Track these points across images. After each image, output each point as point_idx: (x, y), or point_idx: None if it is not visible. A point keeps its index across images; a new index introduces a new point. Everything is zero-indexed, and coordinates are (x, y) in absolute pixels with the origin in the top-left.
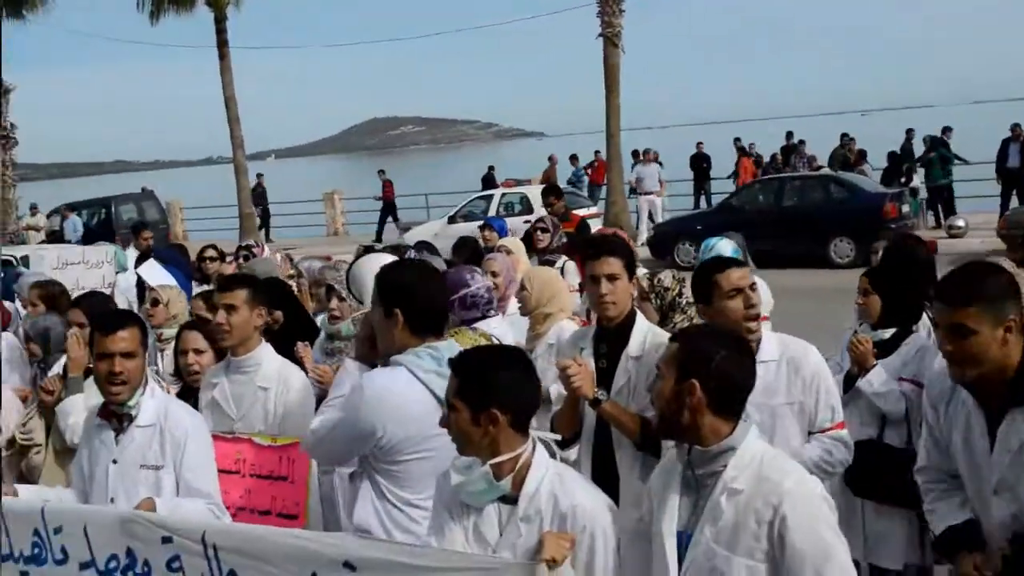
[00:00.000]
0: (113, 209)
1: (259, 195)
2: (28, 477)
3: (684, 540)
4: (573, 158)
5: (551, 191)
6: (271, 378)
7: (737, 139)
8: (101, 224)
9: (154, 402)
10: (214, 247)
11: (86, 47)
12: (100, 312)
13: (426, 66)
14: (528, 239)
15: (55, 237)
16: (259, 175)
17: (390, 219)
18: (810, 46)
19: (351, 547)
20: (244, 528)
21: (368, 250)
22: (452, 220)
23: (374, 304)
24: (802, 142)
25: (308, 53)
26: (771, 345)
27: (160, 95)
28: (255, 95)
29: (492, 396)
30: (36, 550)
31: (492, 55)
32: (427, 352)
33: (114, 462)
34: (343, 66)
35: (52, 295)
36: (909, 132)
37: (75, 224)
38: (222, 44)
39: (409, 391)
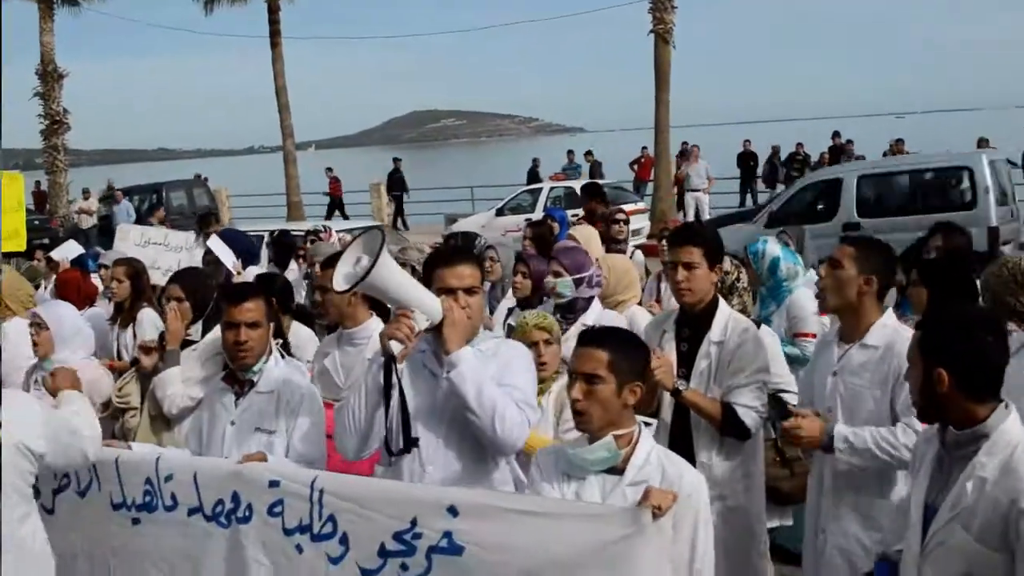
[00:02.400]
0: (164, 195)
1: (397, 181)
2: (122, 440)
3: (930, 513)
4: (570, 153)
5: (594, 191)
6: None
7: (747, 141)
8: (152, 209)
9: (276, 370)
10: (272, 234)
11: (135, 35)
12: (229, 285)
13: (469, 60)
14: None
15: (106, 221)
16: (396, 159)
17: (337, 214)
18: (855, 45)
19: (455, 493)
20: (354, 478)
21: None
22: (500, 212)
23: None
24: (850, 142)
25: (351, 45)
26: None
27: (205, 84)
28: (296, 86)
29: (636, 370)
30: (147, 498)
31: (535, 50)
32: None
33: (232, 424)
34: (385, 59)
35: (137, 272)
36: (981, 141)
37: (127, 208)
38: (275, 34)
39: None
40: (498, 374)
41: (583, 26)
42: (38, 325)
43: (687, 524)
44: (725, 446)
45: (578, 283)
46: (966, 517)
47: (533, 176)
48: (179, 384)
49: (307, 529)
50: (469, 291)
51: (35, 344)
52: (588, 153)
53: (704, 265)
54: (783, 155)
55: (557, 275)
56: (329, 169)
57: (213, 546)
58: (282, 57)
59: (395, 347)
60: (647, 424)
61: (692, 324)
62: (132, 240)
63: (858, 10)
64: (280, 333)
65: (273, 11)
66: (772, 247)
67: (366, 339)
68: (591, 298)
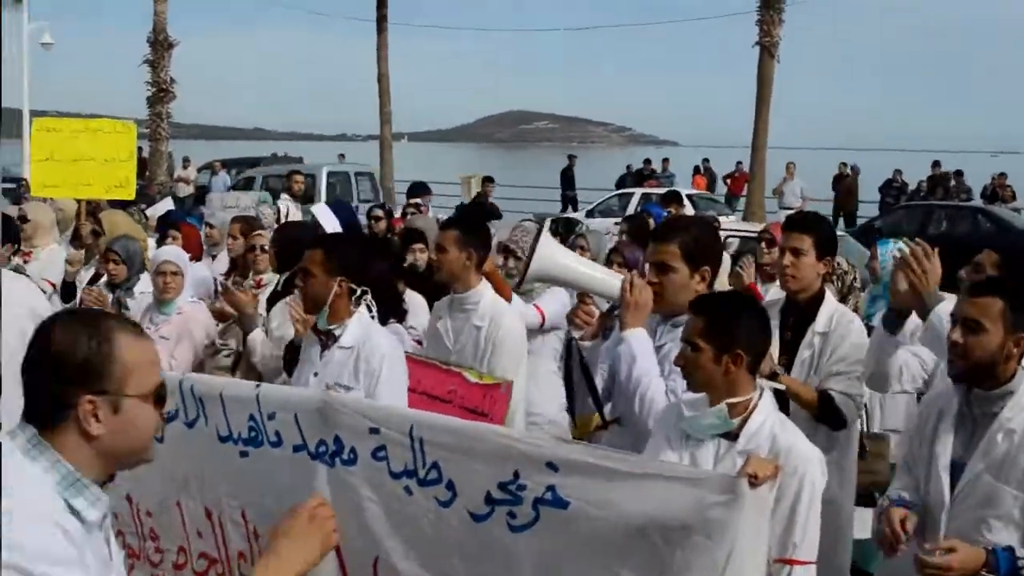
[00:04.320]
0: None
1: (569, 179)
2: None
3: (956, 470)
4: (664, 161)
5: (673, 198)
6: (485, 317)
7: (705, 159)
8: (247, 184)
9: (358, 327)
10: (382, 206)
11: (242, 9)
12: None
13: (567, 63)
14: None
15: (202, 191)
16: (571, 156)
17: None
18: (959, 81)
19: (555, 448)
20: (450, 421)
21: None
22: (590, 214)
23: (674, 265)
24: (960, 173)
25: (450, 40)
26: None
27: (306, 66)
28: (394, 76)
29: (737, 338)
30: (252, 433)
31: (635, 58)
32: None
33: (315, 375)
34: (485, 56)
35: (251, 228)
36: None
37: (224, 180)
38: (381, 19)
39: None
40: (670, 357)
41: (688, 36)
42: (175, 273)
43: (788, 496)
44: (820, 436)
45: None
46: (997, 467)
47: (622, 182)
48: (261, 347)
49: (413, 474)
50: (661, 267)
51: (170, 288)
52: (705, 160)
53: (812, 254)
54: (880, 181)
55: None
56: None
57: (321, 483)
58: (387, 43)
59: (577, 331)
60: (772, 387)
61: (797, 314)
62: (216, 206)
63: (961, 43)
64: (396, 294)
65: None
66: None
67: (475, 304)
68: None
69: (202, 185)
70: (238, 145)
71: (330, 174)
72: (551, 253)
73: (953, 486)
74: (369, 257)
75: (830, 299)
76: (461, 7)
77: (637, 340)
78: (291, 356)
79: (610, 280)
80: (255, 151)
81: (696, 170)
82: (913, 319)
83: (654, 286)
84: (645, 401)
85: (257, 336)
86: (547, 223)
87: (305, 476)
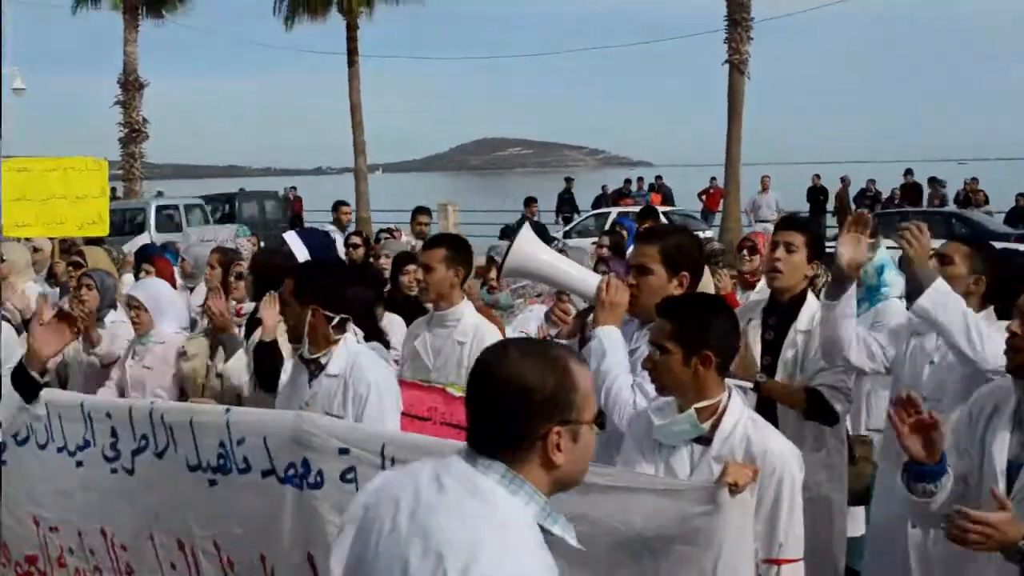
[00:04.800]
0: (237, 205)
1: (567, 201)
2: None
3: (1013, 470)
4: (639, 180)
5: (649, 213)
6: (468, 333)
7: (658, 176)
8: (223, 220)
9: (345, 354)
10: (359, 234)
11: (212, 49)
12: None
13: (538, 88)
14: None
15: (178, 230)
16: (568, 179)
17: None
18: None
19: None
20: (424, 439)
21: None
22: (567, 235)
23: (653, 268)
24: (941, 183)
25: (420, 70)
26: None
27: (279, 102)
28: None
29: (706, 339)
30: (221, 460)
31: (605, 81)
32: None
33: (305, 404)
34: (455, 84)
35: (229, 261)
36: None
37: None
38: (352, 52)
39: None
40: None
41: (658, 57)
42: (137, 307)
43: (769, 496)
44: (810, 436)
45: None
46: None
47: (599, 203)
48: (244, 373)
49: None
50: (640, 270)
51: (136, 323)
52: (658, 177)
53: (803, 253)
54: (854, 190)
55: None
56: (293, 188)
57: (289, 507)
58: (359, 75)
59: (552, 329)
60: (742, 389)
61: (779, 313)
62: (193, 240)
63: (929, 54)
64: (373, 319)
65: (351, 28)
66: (887, 253)
67: (456, 321)
68: None
69: (177, 223)
70: (213, 183)
71: (159, 208)
72: (530, 248)
73: (1010, 486)
74: (344, 284)
75: (812, 299)
76: (430, 37)
77: (608, 336)
78: (263, 360)
79: (588, 279)
80: (230, 188)
81: (652, 187)
82: (894, 311)
83: (632, 288)
84: (610, 395)
85: (240, 362)
86: (526, 224)
87: (273, 502)
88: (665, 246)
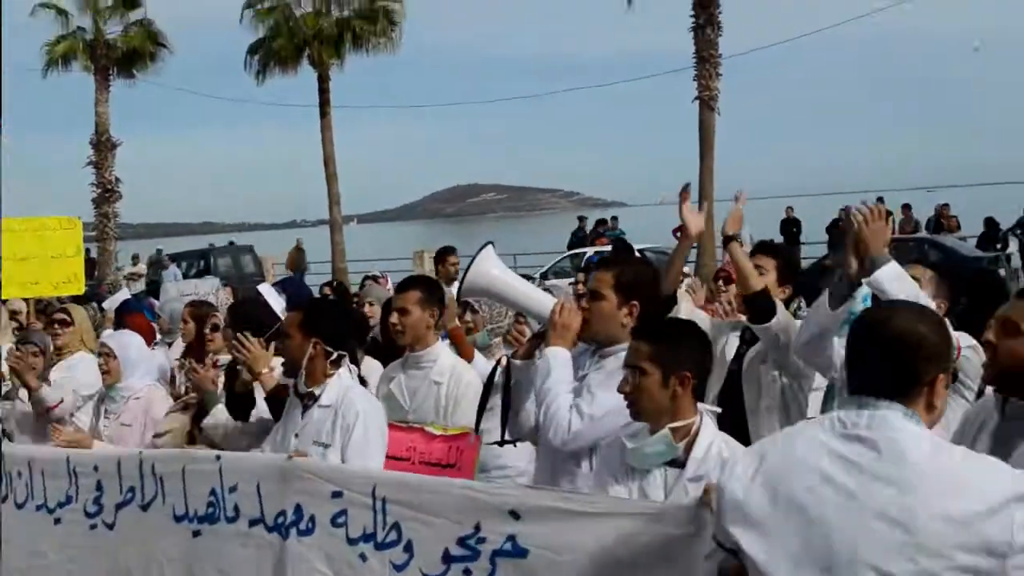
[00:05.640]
0: (212, 260)
1: (581, 239)
2: None
3: None
4: (613, 219)
5: (623, 248)
6: (444, 373)
7: (614, 217)
8: (199, 274)
9: (338, 387)
10: (329, 284)
11: (185, 108)
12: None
13: (511, 134)
14: None
15: (154, 286)
16: (581, 218)
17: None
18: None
19: (517, 495)
20: (413, 479)
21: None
22: (544, 276)
23: (605, 294)
24: (907, 206)
25: (392, 120)
26: None
27: (251, 158)
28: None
29: (684, 360)
30: (210, 509)
31: (578, 124)
32: None
33: (296, 436)
34: (427, 132)
35: (202, 314)
36: None
37: (175, 273)
38: (324, 103)
39: None
40: (594, 383)
41: (630, 99)
42: (107, 354)
43: None
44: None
45: None
46: None
47: (576, 243)
48: (226, 424)
49: (371, 538)
50: (593, 295)
51: (105, 372)
52: (615, 218)
53: (773, 275)
54: (826, 221)
55: None
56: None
57: (273, 557)
58: (331, 126)
59: (509, 349)
60: (712, 412)
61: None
62: (172, 295)
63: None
64: (354, 362)
65: (323, 79)
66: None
67: (432, 362)
68: None
69: (153, 280)
70: (187, 240)
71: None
72: (488, 268)
73: None
74: (345, 324)
75: (783, 310)
76: (401, 86)
77: (555, 357)
78: (240, 407)
79: (545, 301)
80: (204, 245)
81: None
82: None
83: (584, 312)
84: (548, 413)
85: (221, 414)
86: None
87: (258, 552)
88: (619, 274)
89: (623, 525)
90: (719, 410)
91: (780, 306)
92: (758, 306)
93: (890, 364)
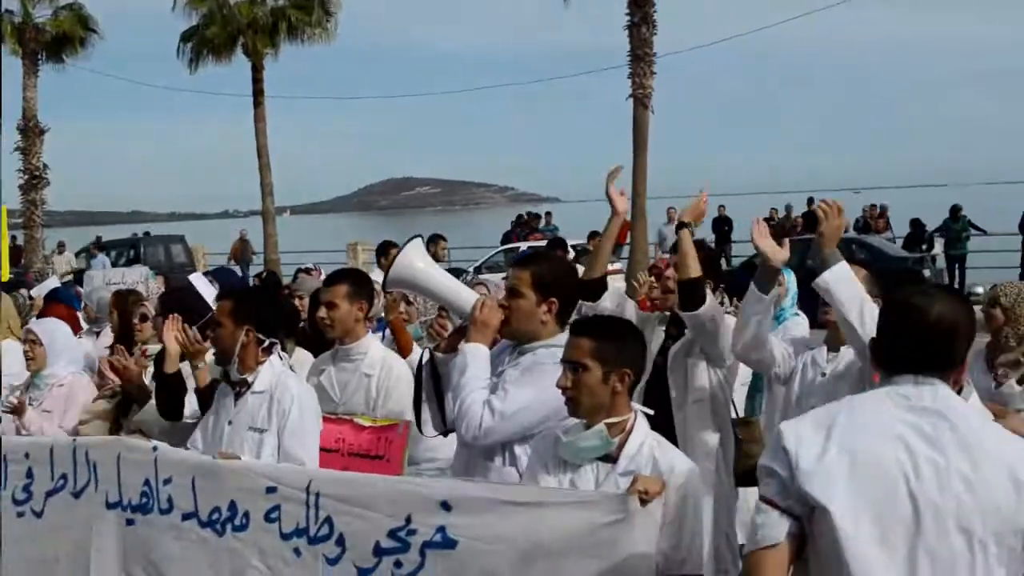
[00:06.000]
0: (142, 249)
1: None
2: None
3: None
4: (547, 214)
5: (558, 243)
6: (375, 365)
7: (529, 212)
8: (129, 264)
9: (270, 373)
10: (259, 276)
11: (114, 95)
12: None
13: (446, 127)
14: None
15: (81, 274)
16: (523, 214)
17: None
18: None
19: (448, 487)
20: (348, 475)
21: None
22: (478, 270)
23: (523, 291)
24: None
25: (326, 112)
26: None
27: (183, 147)
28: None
29: (624, 357)
30: (144, 499)
31: (513, 119)
32: None
33: (229, 423)
34: (361, 125)
35: (126, 304)
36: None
37: (103, 262)
38: (258, 93)
39: None
40: (510, 379)
41: (562, 95)
42: (33, 341)
43: (674, 513)
44: (709, 429)
45: None
46: None
47: (509, 237)
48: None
49: (304, 532)
50: (511, 293)
51: (30, 359)
52: (530, 212)
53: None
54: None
55: None
56: (244, 230)
57: (207, 553)
58: (265, 116)
59: (432, 343)
60: (645, 413)
61: (679, 324)
62: (98, 283)
63: (830, 89)
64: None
65: (257, 69)
66: (793, 279)
67: (362, 355)
68: None
69: (81, 269)
70: (117, 229)
71: None
72: (412, 260)
73: None
74: (276, 312)
75: (712, 298)
76: (335, 78)
77: (472, 353)
78: (170, 392)
79: (467, 297)
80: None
81: (519, 219)
82: (798, 326)
83: (504, 310)
84: (462, 408)
85: (151, 412)
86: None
87: (191, 545)
88: (537, 272)
89: (553, 514)
90: (651, 412)
91: (710, 295)
92: (691, 292)
93: (937, 345)
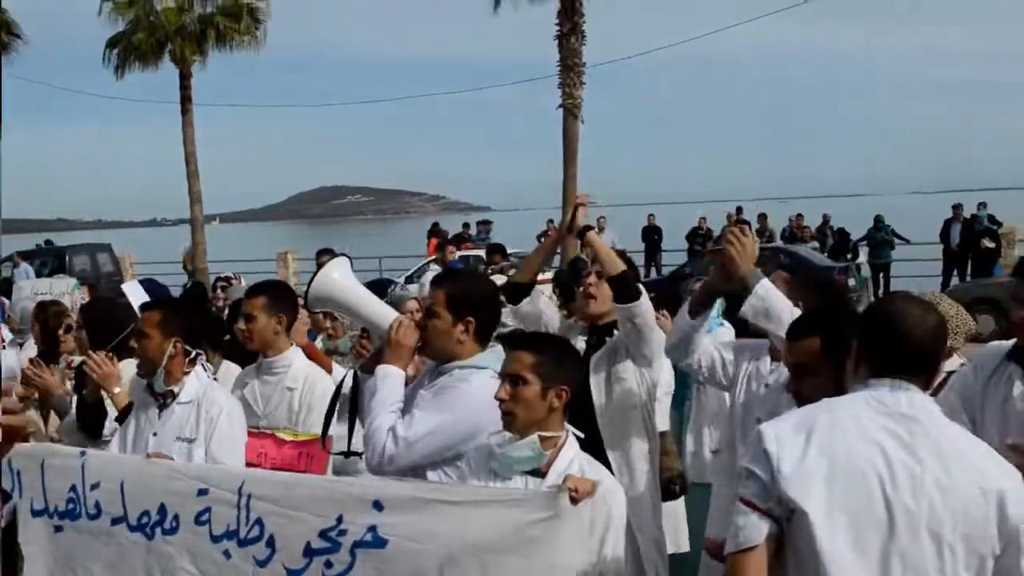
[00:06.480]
0: (67, 259)
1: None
2: None
3: None
4: (479, 223)
5: (496, 249)
6: (298, 379)
7: (436, 223)
8: (53, 273)
9: (196, 383)
10: (185, 286)
11: (38, 100)
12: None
13: (377, 136)
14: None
15: (5, 284)
16: (466, 224)
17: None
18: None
19: (379, 487)
20: (280, 476)
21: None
22: (409, 280)
23: (437, 311)
24: (764, 216)
25: (256, 120)
26: None
27: (109, 154)
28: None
29: (563, 373)
30: (70, 505)
31: (445, 128)
32: (494, 355)
33: (154, 434)
34: (291, 133)
35: (48, 316)
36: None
37: (27, 271)
38: (185, 100)
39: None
40: (421, 403)
41: (496, 104)
42: None
43: (598, 527)
44: (637, 435)
45: None
46: None
47: (442, 248)
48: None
49: (234, 535)
50: (427, 313)
51: None
52: (436, 224)
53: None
54: (685, 229)
55: None
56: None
57: (137, 557)
58: (192, 123)
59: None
60: (577, 435)
61: (599, 334)
62: (25, 293)
63: (759, 99)
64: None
65: (185, 76)
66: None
67: (285, 368)
68: None
69: (5, 278)
70: (41, 237)
71: None
72: (332, 277)
73: None
74: (202, 323)
75: (645, 295)
76: (265, 86)
77: (383, 376)
78: (91, 416)
79: (387, 316)
80: (62, 241)
81: (429, 234)
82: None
83: (422, 330)
84: (367, 434)
85: (73, 421)
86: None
87: (121, 551)
88: (450, 291)
89: (483, 513)
90: (582, 435)
91: (643, 291)
92: (624, 287)
93: (913, 351)
